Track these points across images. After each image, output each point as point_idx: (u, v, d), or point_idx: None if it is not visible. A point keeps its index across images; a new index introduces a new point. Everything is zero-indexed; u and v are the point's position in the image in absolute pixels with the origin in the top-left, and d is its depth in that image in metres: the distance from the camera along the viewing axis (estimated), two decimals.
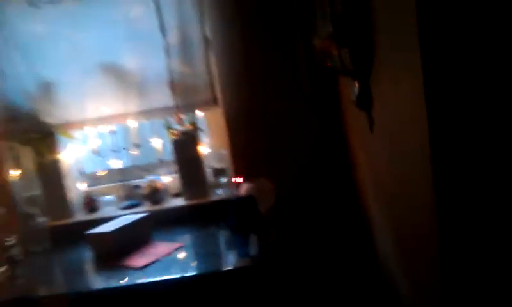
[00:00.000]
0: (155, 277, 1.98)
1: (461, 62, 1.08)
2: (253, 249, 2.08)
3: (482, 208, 1.12)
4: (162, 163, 2.74)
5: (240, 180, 2.48)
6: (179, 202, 2.65)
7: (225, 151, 2.62)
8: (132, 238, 2.31)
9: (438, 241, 1.14)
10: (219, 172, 2.61)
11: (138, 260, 2.15)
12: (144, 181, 2.72)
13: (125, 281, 2.00)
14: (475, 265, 1.15)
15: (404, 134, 1.33)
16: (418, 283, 1.48)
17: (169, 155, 2.69)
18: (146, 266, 2.08)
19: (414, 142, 1.23)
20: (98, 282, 2.18)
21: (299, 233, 2.45)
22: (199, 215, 2.56)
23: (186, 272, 2.01)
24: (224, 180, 2.58)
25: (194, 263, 2.13)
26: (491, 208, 1.12)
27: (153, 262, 2.12)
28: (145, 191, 2.69)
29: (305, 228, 2.48)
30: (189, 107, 2.56)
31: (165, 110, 2.56)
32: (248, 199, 2.28)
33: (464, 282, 1.16)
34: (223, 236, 2.35)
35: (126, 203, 2.72)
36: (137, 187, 2.74)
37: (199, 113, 2.65)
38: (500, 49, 1.06)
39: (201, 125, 2.68)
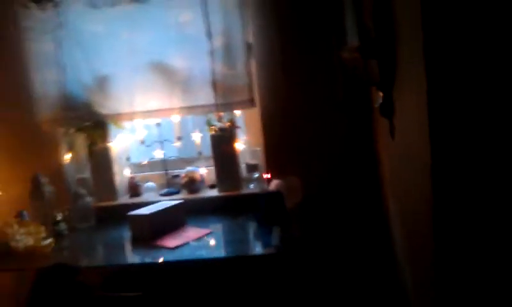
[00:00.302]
0: (185, 257, 2.14)
1: (464, 75, 1.11)
2: (275, 240, 2.20)
3: (473, 213, 1.17)
4: (200, 156, 2.87)
5: (270, 176, 2.61)
6: (213, 193, 2.79)
7: (259, 149, 2.75)
8: (167, 222, 2.47)
9: (434, 244, 1.22)
10: (252, 168, 2.74)
11: (171, 241, 2.31)
12: (183, 172, 2.87)
13: (157, 259, 2.17)
14: (466, 261, 1.20)
15: (413, 142, 1.42)
16: (418, 275, 1.58)
17: (207, 149, 2.83)
18: (177, 247, 2.24)
19: (419, 150, 1.31)
20: (133, 258, 2.39)
21: (322, 229, 2.54)
22: (231, 206, 2.69)
23: (212, 255, 2.16)
24: (256, 175, 2.70)
25: (221, 248, 2.29)
26: (479, 213, 1.17)
27: (184, 244, 2.27)
28: (183, 181, 2.84)
29: (329, 224, 2.58)
30: (228, 106, 2.69)
31: (206, 107, 2.70)
32: (275, 194, 2.42)
33: (456, 278, 1.21)
34: (250, 226, 2.47)
35: (165, 190, 2.88)
36: (176, 176, 2.89)
37: (237, 112, 2.78)
38: (502, 64, 1.09)
39: (239, 123, 2.81)
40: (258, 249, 2.29)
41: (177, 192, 2.86)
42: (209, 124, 2.79)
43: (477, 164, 1.14)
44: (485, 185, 1.15)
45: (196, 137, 2.85)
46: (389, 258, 2.34)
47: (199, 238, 2.35)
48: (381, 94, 1.74)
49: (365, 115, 2.53)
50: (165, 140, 2.90)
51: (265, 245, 2.22)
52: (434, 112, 1.15)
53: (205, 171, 2.90)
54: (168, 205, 2.53)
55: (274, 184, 2.51)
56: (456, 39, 1.08)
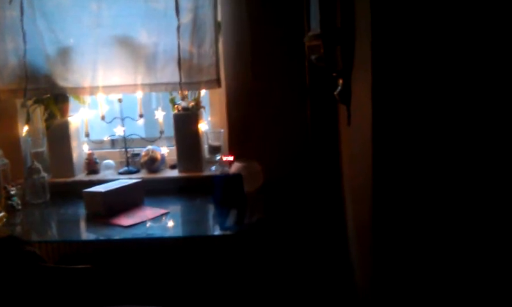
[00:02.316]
0: (138, 235, 2.13)
1: (408, 67, 1.20)
2: (232, 222, 2.22)
3: (411, 203, 1.26)
4: (162, 135, 2.86)
5: (231, 158, 2.61)
6: (173, 173, 2.79)
7: (223, 131, 2.76)
8: (124, 201, 2.45)
9: (372, 230, 1.30)
10: (214, 149, 2.75)
11: (125, 220, 2.29)
12: (144, 151, 2.86)
13: (111, 237, 2.15)
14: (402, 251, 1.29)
15: (361, 129, 1.46)
16: (362, 254, 1.62)
17: (170, 128, 2.82)
18: (131, 226, 2.23)
19: (365, 138, 1.37)
20: (86, 235, 2.35)
21: (279, 214, 2.56)
22: (190, 188, 2.69)
23: (166, 234, 2.17)
24: (218, 157, 2.71)
25: (176, 228, 2.30)
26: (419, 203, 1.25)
27: (139, 223, 2.26)
28: (143, 160, 2.83)
29: (287, 210, 2.59)
30: (193, 85, 2.68)
31: (171, 85, 2.68)
32: (235, 177, 2.45)
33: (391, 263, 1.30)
34: (208, 208, 2.49)
35: (124, 168, 2.87)
36: (136, 155, 2.88)
37: (202, 92, 2.78)
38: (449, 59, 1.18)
39: (203, 103, 2.81)
40: (214, 230, 2.31)
41: (136, 171, 2.85)
42: (173, 102, 2.77)
43: (416, 156, 1.23)
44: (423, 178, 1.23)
45: (159, 115, 2.83)
46: (342, 246, 2.36)
47: (155, 218, 2.33)
48: (341, 81, 1.77)
49: (330, 103, 2.53)
50: (127, 117, 2.87)
51: (222, 226, 2.23)
52: (377, 102, 1.25)
53: (166, 150, 2.90)
54: (126, 184, 2.51)
55: (235, 167, 2.54)
56: (401, 35, 1.19)
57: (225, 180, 2.46)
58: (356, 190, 1.78)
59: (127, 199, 2.48)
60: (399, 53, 1.20)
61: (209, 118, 2.87)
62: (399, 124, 1.24)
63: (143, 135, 2.96)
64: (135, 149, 2.92)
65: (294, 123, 2.65)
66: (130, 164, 2.89)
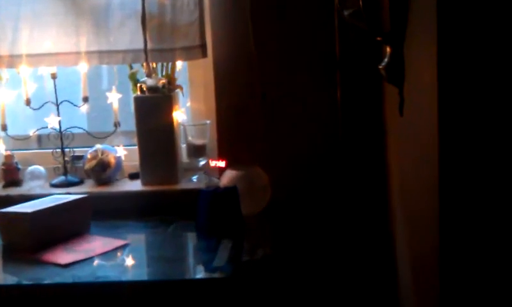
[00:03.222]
0: (81, 279, 2.12)
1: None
2: (223, 259, 2.20)
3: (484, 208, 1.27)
4: (118, 129, 2.86)
5: (222, 164, 2.61)
6: (135, 186, 2.81)
7: (209, 122, 2.76)
8: (60, 227, 2.43)
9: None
10: (197, 150, 2.75)
11: (63, 256, 2.28)
12: (90, 152, 2.84)
13: (41, 281, 2.13)
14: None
15: (421, 123, 1.47)
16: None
17: (129, 119, 2.82)
18: (72, 264, 2.20)
19: (427, 136, 1.38)
20: (3, 277, 2.34)
21: (296, 248, 2.59)
22: (160, 208, 2.70)
23: (123, 277, 2.18)
24: (202, 162, 2.72)
25: (141, 268, 2.30)
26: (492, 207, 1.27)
27: (83, 260, 2.24)
28: (89, 165, 2.81)
29: (307, 242, 2.63)
30: (165, 54, 2.69)
31: (131, 54, 2.69)
32: (228, 193, 2.46)
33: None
34: (186, 238, 2.51)
35: (60, 178, 2.87)
36: (79, 158, 2.88)
37: (179, 64, 2.79)
38: None
39: (181, 81, 2.81)
40: (196, 271, 2.33)
41: (79, 183, 2.87)
42: (134, 80, 2.77)
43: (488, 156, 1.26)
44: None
45: (113, 99, 2.84)
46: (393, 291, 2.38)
47: (108, 253, 2.32)
48: (388, 50, 1.82)
49: (371, 82, 2.57)
50: (64, 101, 2.88)
51: (209, 265, 2.22)
52: (445, 82, 1.27)
53: (123, 152, 2.89)
54: (63, 201, 2.52)
55: (228, 177, 2.54)
56: None
57: (213, 196, 2.45)
58: (414, 215, 1.79)
59: (64, 225, 2.46)
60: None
61: (189, 104, 2.88)
62: (476, 117, 1.22)
63: (89, 129, 2.96)
64: (76, 149, 2.91)
65: (317, 111, 2.68)
66: (70, 171, 2.89)
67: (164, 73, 2.79)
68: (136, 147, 2.82)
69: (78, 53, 2.74)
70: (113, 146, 2.90)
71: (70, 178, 2.88)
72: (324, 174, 2.69)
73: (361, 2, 1.75)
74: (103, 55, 2.73)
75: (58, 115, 2.88)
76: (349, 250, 2.59)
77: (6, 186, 2.87)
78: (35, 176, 2.88)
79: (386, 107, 2.42)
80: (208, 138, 2.78)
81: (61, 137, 2.89)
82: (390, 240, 2.47)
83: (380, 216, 2.57)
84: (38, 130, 2.93)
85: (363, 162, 2.60)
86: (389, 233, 2.50)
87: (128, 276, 2.23)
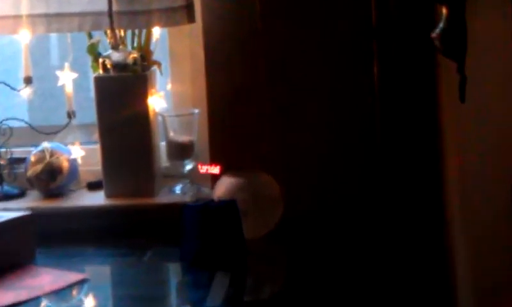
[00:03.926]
0: None
1: None
2: (217, 299, 2.19)
3: None
4: (72, 121, 2.88)
5: (216, 169, 2.61)
6: (96, 199, 2.84)
7: (197, 112, 2.79)
8: None
9: None
10: (182, 150, 2.79)
11: None
12: (34, 153, 2.86)
13: None
14: None
15: (494, 111, 1.47)
16: None
17: (88, 107, 2.83)
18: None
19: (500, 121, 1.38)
20: None
21: (323, 283, 2.58)
22: (131, 229, 2.73)
23: None
24: (189, 166, 2.75)
25: None
26: None
27: (26, 302, 2.21)
28: (33, 171, 2.82)
29: (337, 274, 2.63)
30: (138, 18, 2.70)
31: (90, 17, 2.71)
32: (224, 208, 2.47)
33: None
34: (168, 270, 2.55)
35: None
36: (19, 161, 2.91)
37: (156, 32, 2.82)
38: None
39: (159, 56, 2.85)
40: None
41: (19, 195, 2.90)
42: (94, 54, 2.81)
43: None
44: None
45: (66, 80, 2.85)
46: None
47: (59, 292, 2.30)
48: (444, 12, 1.83)
49: (420, 55, 2.59)
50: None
51: None
52: None
53: (80, 153, 2.91)
54: None
55: (225, 187, 2.58)
56: None
57: (204, 213, 2.45)
58: (484, 233, 1.78)
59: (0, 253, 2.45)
60: None
61: (170, 86, 2.94)
62: None
63: (32, 122, 2.99)
64: (16, 150, 2.94)
65: (345, 97, 2.71)
66: (7, 180, 2.92)
67: (135, 45, 2.82)
68: (98, 146, 2.84)
69: (17, 17, 2.74)
70: (66, 145, 2.91)
71: (7, 188, 2.91)
72: (355, 181, 2.73)
73: None
74: (51, 20, 2.74)
75: None
76: (393, 286, 2.59)
77: None
78: None
79: (441, 89, 2.45)
80: (197, 134, 2.81)
81: None
82: (447, 268, 2.51)
83: (433, 236, 2.60)
84: None
85: (409, 164, 2.63)
86: (446, 259, 2.53)
87: None
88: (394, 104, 2.64)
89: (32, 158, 2.85)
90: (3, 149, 2.91)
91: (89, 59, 2.87)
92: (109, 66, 2.77)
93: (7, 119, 2.91)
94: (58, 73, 2.86)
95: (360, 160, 2.72)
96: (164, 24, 2.76)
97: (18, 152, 2.93)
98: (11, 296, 2.25)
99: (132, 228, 2.73)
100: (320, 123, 2.74)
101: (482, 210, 1.82)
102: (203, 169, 2.63)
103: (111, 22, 2.70)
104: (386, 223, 2.66)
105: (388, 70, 2.62)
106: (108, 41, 2.80)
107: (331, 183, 2.73)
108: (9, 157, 2.93)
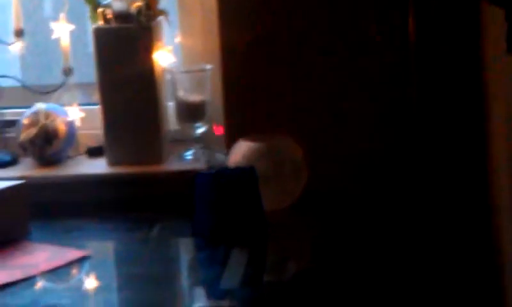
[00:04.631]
0: None
1: None
2: (235, 278, 2.13)
3: None
4: (69, 78, 2.85)
5: (231, 132, 2.66)
6: (97, 167, 2.80)
7: (209, 68, 2.75)
8: None
9: None
10: (193, 111, 2.75)
11: None
12: (27, 115, 2.83)
13: None
14: None
15: None
16: None
17: (88, 62, 2.78)
18: (3, 287, 2.13)
19: None
20: None
21: (354, 261, 2.47)
22: (137, 200, 2.69)
23: None
24: (201, 128, 2.73)
25: (105, 292, 2.23)
26: None
27: (20, 281, 2.16)
28: (27, 135, 2.80)
29: (368, 250, 2.50)
30: None
31: None
32: (241, 176, 2.44)
33: None
34: (179, 246, 2.52)
35: None
36: (10, 124, 2.88)
37: None
38: None
39: (166, 3, 2.80)
40: (195, 298, 2.24)
41: (11, 163, 2.87)
42: (93, 3, 2.75)
43: None
44: None
45: (62, 32, 2.81)
46: None
47: (58, 270, 2.24)
48: None
49: (461, 10, 2.58)
50: None
51: (212, 289, 2.15)
52: None
53: (79, 115, 2.88)
54: None
55: (242, 152, 2.53)
56: None
57: (219, 182, 2.42)
58: None
59: None
60: None
61: (178, 39, 2.89)
62: None
63: (25, 80, 2.98)
64: (7, 111, 2.95)
65: (377, 53, 2.67)
66: None
67: None
68: (98, 107, 2.81)
69: None
70: (63, 106, 2.86)
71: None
72: (389, 150, 2.69)
73: None
74: None
75: None
76: (431, 271, 2.50)
77: None
78: None
79: (485, 46, 2.39)
80: (210, 92, 2.76)
81: None
82: (494, 263, 2.46)
83: (477, 225, 2.55)
84: None
85: (450, 132, 2.60)
86: (492, 252, 2.49)
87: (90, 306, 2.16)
88: (432, 60, 2.59)
89: (25, 121, 2.84)
90: None
91: (87, 9, 2.78)
92: (109, 16, 2.72)
93: None
94: (53, 25, 2.81)
95: (394, 127, 2.67)
96: None
97: (9, 114, 2.95)
98: (4, 276, 2.21)
99: (137, 199, 2.70)
100: (348, 85, 2.71)
101: None
102: (218, 131, 2.63)
103: None
104: (422, 201, 2.61)
105: (425, 18, 2.57)
106: None
107: (361, 154, 2.68)
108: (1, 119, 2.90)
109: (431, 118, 2.61)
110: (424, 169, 2.63)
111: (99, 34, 2.72)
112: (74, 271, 2.27)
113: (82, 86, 2.89)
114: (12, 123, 2.87)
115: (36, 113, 2.80)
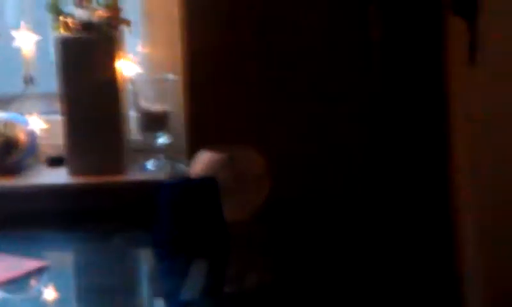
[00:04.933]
0: None
1: None
2: (195, 289, 2.15)
3: None
4: (30, 86, 2.86)
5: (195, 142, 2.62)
6: (58, 177, 2.78)
7: (173, 78, 2.76)
8: None
9: None
10: (155, 121, 2.75)
11: None
12: None
13: None
14: None
15: None
16: None
17: (49, 71, 2.79)
18: None
19: None
20: None
21: (315, 272, 2.47)
22: (97, 210, 2.67)
23: None
24: (163, 139, 2.73)
25: (64, 304, 2.21)
26: None
27: None
28: None
29: (330, 261, 2.52)
30: None
31: None
32: (202, 187, 2.44)
33: None
34: (140, 255, 2.53)
35: None
36: None
37: None
38: None
39: (130, 12, 2.79)
40: None
41: None
42: (56, 12, 2.72)
43: None
44: None
45: (23, 41, 2.81)
46: None
47: (16, 280, 2.24)
48: None
49: (426, 14, 2.57)
50: None
51: (172, 300, 2.18)
52: None
53: (40, 125, 2.87)
54: None
55: (204, 163, 2.53)
56: None
57: (180, 192, 2.43)
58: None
59: None
60: None
61: (142, 48, 2.90)
62: None
63: None
64: None
65: (342, 62, 2.69)
66: None
67: (102, 0, 2.73)
68: (60, 117, 2.80)
69: None
70: (23, 115, 2.87)
71: None
72: (351, 158, 2.70)
73: None
74: None
75: None
76: (391, 280, 2.50)
77: None
78: None
79: (449, 53, 2.44)
80: (173, 103, 2.79)
81: None
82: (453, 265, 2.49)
83: (438, 225, 2.57)
84: None
85: (413, 137, 2.61)
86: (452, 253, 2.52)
87: None
88: (396, 70, 2.61)
89: None
90: None
91: (49, 18, 2.78)
92: (72, 25, 2.71)
93: None
94: (14, 33, 2.82)
95: (358, 134, 2.69)
96: None
97: None
98: None
99: (98, 210, 2.68)
100: (312, 94, 2.73)
101: (498, 193, 1.76)
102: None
103: None
104: (385, 206, 2.64)
105: (390, 30, 2.59)
106: None
107: (325, 161, 2.72)
108: None
109: (392, 120, 2.62)
110: (385, 173, 2.65)
111: (62, 43, 2.71)
112: (33, 282, 2.27)
113: (44, 96, 2.90)
114: None
115: None
